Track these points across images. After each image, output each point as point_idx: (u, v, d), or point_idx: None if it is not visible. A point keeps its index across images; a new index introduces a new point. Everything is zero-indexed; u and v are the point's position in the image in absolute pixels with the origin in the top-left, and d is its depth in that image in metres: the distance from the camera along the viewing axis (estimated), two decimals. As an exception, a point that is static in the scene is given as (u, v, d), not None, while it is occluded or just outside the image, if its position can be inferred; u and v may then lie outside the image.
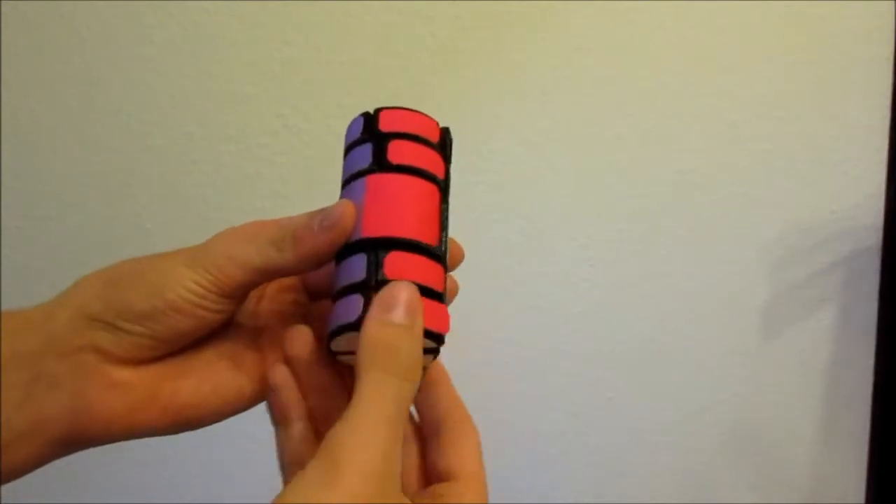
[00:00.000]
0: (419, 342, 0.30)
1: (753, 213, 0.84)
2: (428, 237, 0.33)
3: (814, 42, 0.81)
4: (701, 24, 0.80)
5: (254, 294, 0.36)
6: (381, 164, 0.33)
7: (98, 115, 0.75)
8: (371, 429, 0.27)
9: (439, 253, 0.33)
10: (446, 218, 0.34)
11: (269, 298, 0.37)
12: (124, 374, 0.32)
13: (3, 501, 0.69)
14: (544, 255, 0.82)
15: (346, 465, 0.26)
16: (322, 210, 0.32)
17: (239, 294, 0.33)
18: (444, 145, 0.36)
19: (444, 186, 0.35)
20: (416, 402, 0.35)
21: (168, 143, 0.76)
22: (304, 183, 0.77)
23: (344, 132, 0.36)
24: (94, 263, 0.33)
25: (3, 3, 0.72)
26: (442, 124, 0.37)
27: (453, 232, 0.35)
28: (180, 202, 0.77)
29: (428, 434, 0.35)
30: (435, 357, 0.34)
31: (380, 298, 0.30)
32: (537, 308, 0.83)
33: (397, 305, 0.30)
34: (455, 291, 0.36)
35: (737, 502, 0.89)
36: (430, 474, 0.34)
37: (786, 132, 0.83)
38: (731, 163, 0.82)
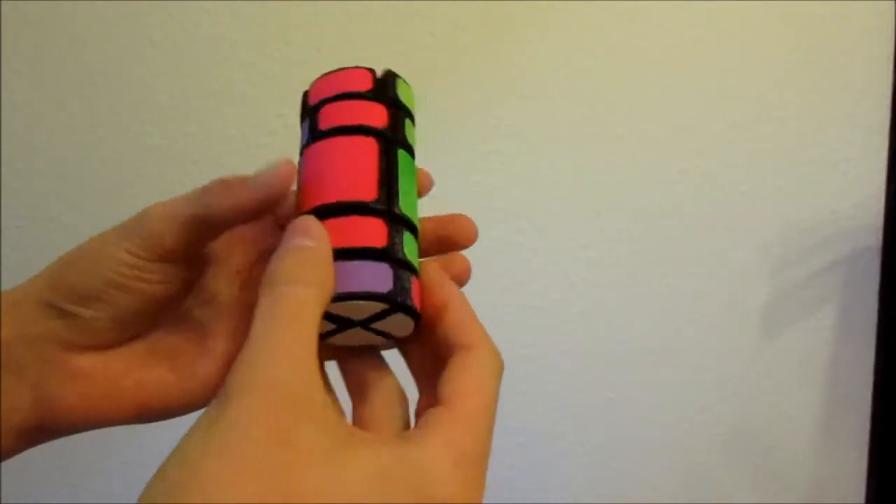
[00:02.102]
0: (321, 252, 0.28)
1: (753, 213, 0.84)
2: (358, 193, 0.30)
3: (814, 42, 0.81)
4: (701, 24, 0.80)
5: (227, 270, 0.35)
6: (313, 135, 0.32)
7: (98, 115, 0.75)
8: (264, 347, 0.24)
9: (376, 207, 0.30)
10: (392, 166, 0.31)
11: (244, 281, 0.35)
12: (86, 362, 0.31)
13: (3, 501, 0.69)
14: (544, 255, 0.82)
15: (234, 391, 0.23)
16: (265, 168, 0.31)
17: (175, 257, 0.31)
18: (383, 89, 0.33)
19: (386, 134, 0.32)
20: (426, 336, 0.31)
21: (168, 143, 0.76)
22: (304, 183, 0.77)
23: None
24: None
25: (3, 3, 0.72)
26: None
27: None
28: (180, 202, 0.77)
29: (439, 369, 0.30)
30: (398, 336, 0.30)
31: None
32: (537, 308, 0.83)
33: (293, 235, 0.28)
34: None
35: (736, 502, 0.89)
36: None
37: (786, 132, 0.83)
38: (731, 163, 0.82)
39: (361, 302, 0.29)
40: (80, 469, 0.79)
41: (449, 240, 0.34)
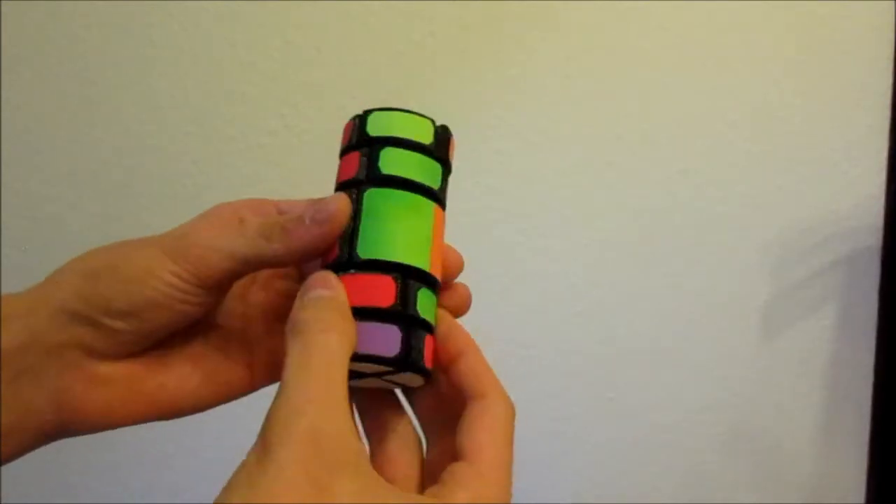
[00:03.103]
0: (340, 300, 0.28)
1: (753, 213, 0.83)
2: (333, 252, 0.31)
3: (814, 42, 0.81)
4: (701, 24, 0.79)
5: (244, 279, 0.35)
6: None
7: (98, 115, 0.75)
8: (301, 396, 0.24)
9: (342, 262, 0.30)
10: (355, 212, 0.31)
11: (261, 284, 0.36)
12: (108, 368, 0.31)
13: (3, 502, 0.69)
14: (544, 255, 0.82)
15: (276, 440, 0.23)
16: (316, 203, 0.31)
17: (221, 285, 0.32)
18: (355, 134, 0.33)
19: (355, 179, 0.32)
20: (442, 380, 0.32)
21: (168, 143, 0.76)
22: (305, 183, 0.77)
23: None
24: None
25: (3, 3, 0.72)
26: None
27: (454, 234, 0.34)
28: (180, 202, 0.77)
29: (456, 414, 0.31)
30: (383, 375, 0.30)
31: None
32: (537, 308, 0.83)
33: (311, 287, 0.29)
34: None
35: (737, 502, 0.89)
36: (452, 457, 0.29)
37: (786, 132, 0.83)
38: (731, 163, 0.82)
39: (370, 364, 0.29)
40: (80, 469, 0.79)
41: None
